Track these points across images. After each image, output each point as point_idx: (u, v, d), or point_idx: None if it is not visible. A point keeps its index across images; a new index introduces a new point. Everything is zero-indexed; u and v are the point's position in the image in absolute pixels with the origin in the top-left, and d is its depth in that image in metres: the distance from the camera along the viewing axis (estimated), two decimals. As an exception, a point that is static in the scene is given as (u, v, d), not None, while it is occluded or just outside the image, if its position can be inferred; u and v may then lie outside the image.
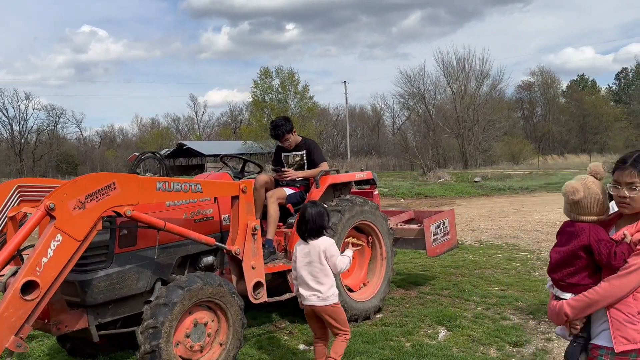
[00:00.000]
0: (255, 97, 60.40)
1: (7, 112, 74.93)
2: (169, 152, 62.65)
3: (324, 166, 5.46)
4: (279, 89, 59.86)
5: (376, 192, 6.02)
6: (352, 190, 5.84)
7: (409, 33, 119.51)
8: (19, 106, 75.88)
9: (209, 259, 4.42)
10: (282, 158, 5.67)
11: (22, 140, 75.67)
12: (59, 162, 73.32)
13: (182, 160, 65.50)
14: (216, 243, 4.09)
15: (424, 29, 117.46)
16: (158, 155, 4.81)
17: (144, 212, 3.68)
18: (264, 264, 4.68)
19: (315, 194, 5.13)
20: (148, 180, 3.59)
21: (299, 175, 5.40)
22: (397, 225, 6.33)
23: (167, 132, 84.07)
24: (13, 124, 75.83)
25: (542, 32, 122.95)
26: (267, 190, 5.23)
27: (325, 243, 3.75)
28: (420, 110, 51.88)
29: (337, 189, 5.55)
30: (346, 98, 61.86)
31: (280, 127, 5.39)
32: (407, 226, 6.36)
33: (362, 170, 5.83)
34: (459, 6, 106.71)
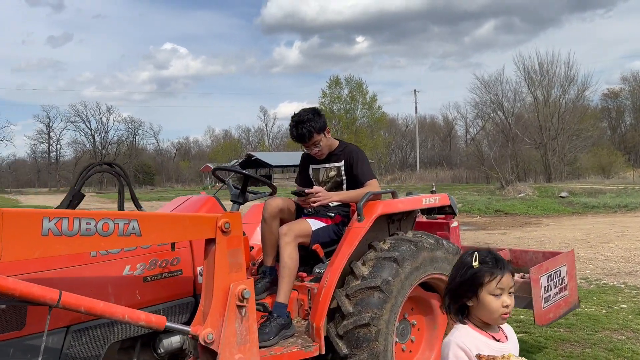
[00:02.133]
0: (323, 107, 59.42)
1: (90, 125, 79.04)
2: (238, 162, 62.99)
3: (373, 185, 3.57)
4: (347, 99, 58.45)
5: (455, 223, 4.07)
6: (417, 220, 3.94)
7: (483, 42, 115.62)
8: (101, 119, 79.84)
9: (174, 340, 2.68)
10: (310, 173, 3.86)
11: (103, 151, 79.33)
12: (137, 172, 75.98)
13: (251, 171, 65.87)
14: (169, 324, 2.34)
15: (498, 37, 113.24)
16: (115, 166, 3.18)
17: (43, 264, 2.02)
18: (272, 343, 2.90)
19: (357, 229, 3.27)
20: (25, 216, 1.91)
21: (334, 199, 3.56)
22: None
23: (238, 144, 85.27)
24: (95, 135, 79.80)
25: (626, 39, 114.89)
26: (282, 222, 3.47)
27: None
28: (498, 119, 48.36)
29: (394, 220, 3.65)
30: (416, 106, 59.34)
31: (304, 124, 3.50)
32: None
33: (432, 192, 3.88)
34: (535, 14, 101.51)
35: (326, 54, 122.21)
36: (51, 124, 79.41)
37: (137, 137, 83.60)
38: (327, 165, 3.74)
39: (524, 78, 45.36)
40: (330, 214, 3.59)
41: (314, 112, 3.60)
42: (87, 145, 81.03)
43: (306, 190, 3.49)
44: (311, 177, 3.81)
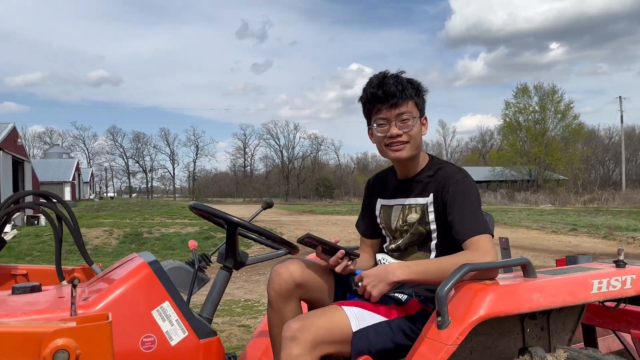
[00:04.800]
0: (508, 119, 54.49)
1: (279, 141, 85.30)
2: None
3: (480, 247, 1.82)
4: (537, 108, 52.66)
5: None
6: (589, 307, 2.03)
7: None
8: (289, 136, 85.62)
9: None
10: (378, 212, 2.21)
11: (290, 166, 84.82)
12: (318, 185, 79.44)
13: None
14: None
15: None
16: (51, 199, 2.04)
17: None
18: None
19: (436, 346, 1.59)
20: None
21: (400, 277, 1.84)
22: None
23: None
24: (283, 151, 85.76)
25: None
26: (308, 303, 1.95)
27: None
28: None
29: (533, 316, 1.83)
30: (621, 116, 50.67)
31: (398, 78, 2.00)
32: None
33: (618, 264, 1.96)
34: None
35: (513, 64, 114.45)
36: (247, 140, 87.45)
37: (319, 153, 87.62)
38: (405, 201, 2.09)
39: None
40: (397, 296, 1.95)
41: (419, 83, 2.06)
42: (276, 160, 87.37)
43: (352, 255, 1.91)
44: (379, 219, 2.20)
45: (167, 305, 1.62)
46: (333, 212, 35.68)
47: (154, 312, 1.60)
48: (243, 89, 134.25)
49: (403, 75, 2.05)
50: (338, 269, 1.92)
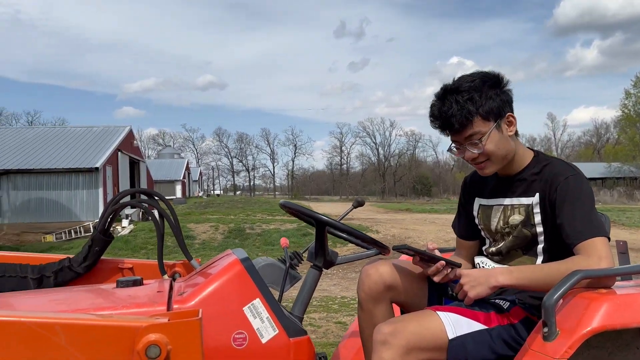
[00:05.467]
0: (626, 111, 49.89)
1: (375, 139, 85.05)
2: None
3: (594, 251, 1.63)
4: (662, 98, 47.68)
5: None
6: None
7: None
8: (384, 133, 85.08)
9: None
10: (476, 213, 2.06)
11: (386, 163, 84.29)
12: (415, 183, 78.18)
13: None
14: None
15: None
16: (154, 197, 2.16)
17: None
18: None
19: (549, 346, 1.44)
20: None
21: (501, 282, 1.71)
22: None
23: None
24: (379, 149, 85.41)
25: None
26: (401, 306, 1.87)
27: None
28: None
29: None
30: None
31: (459, 96, 1.79)
32: None
33: None
34: None
35: (632, 51, 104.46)
36: (343, 139, 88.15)
37: (417, 150, 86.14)
38: (506, 201, 1.94)
39: None
40: (498, 303, 1.81)
41: (484, 79, 1.84)
42: (372, 158, 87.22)
43: (453, 265, 1.81)
44: (477, 220, 2.06)
45: (258, 302, 1.63)
46: (431, 211, 34.80)
47: (245, 309, 1.62)
48: (340, 88, 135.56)
49: (468, 76, 1.86)
50: (436, 278, 1.82)
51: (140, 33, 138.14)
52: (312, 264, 1.94)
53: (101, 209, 21.23)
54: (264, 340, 1.61)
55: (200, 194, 64.15)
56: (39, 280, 2.15)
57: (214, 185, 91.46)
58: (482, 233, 2.04)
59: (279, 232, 18.18)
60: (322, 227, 1.85)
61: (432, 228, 19.61)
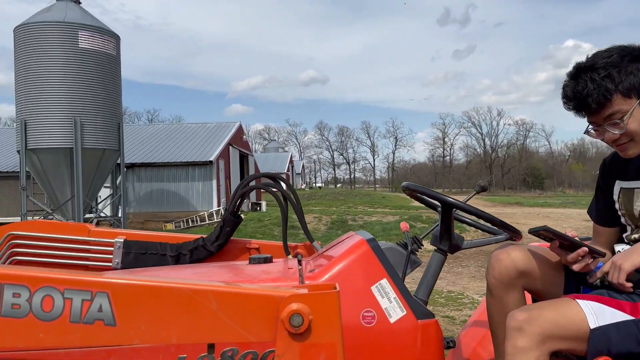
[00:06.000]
0: None
1: (481, 129, 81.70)
2: None
3: None
4: None
5: None
6: None
7: None
8: (492, 123, 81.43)
9: None
10: (617, 197, 1.89)
11: (493, 155, 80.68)
12: (526, 175, 74.06)
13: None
14: None
15: None
16: (278, 180, 2.25)
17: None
18: None
19: None
20: None
21: None
22: None
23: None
24: (486, 139, 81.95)
25: None
26: (534, 293, 1.79)
27: None
28: None
29: None
30: None
31: (595, 73, 1.65)
32: None
33: None
34: None
35: None
36: (446, 130, 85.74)
37: (527, 140, 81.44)
38: None
39: None
40: (647, 292, 1.65)
41: (622, 53, 1.68)
42: (478, 150, 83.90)
43: (596, 252, 1.67)
44: (617, 205, 1.90)
45: (385, 282, 1.64)
46: (544, 205, 32.72)
47: (373, 288, 1.63)
48: (443, 78, 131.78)
49: (603, 51, 1.69)
50: (576, 267, 1.71)
51: (247, 33, 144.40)
52: (436, 247, 1.90)
53: (215, 200, 22.59)
54: (392, 320, 1.62)
55: (302, 187, 65.86)
56: (176, 258, 2.33)
57: (315, 178, 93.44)
58: (623, 219, 1.88)
59: (381, 224, 18.14)
60: (448, 209, 1.81)
61: (548, 223, 18.45)
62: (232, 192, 2.36)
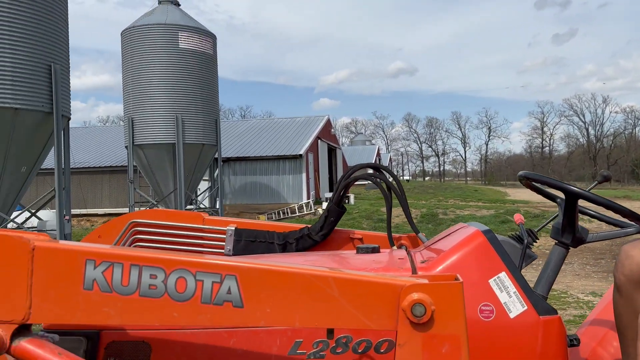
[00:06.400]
0: None
1: (584, 118, 76.25)
2: None
3: None
4: None
5: None
6: None
7: None
8: (596, 111, 75.74)
9: None
10: None
11: (597, 145, 75.09)
12: (635, 167, 68.16)
13: None
14: None
15: None
16: (382, 171, 2.23)
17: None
18: None
19: None
20: (62, 256, 1.29)
21: None
22: None
23: None
24: (589, 128, 76.41)
25: None
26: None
27: None
28: None
29: None
30: None
31: None
32: None
33: None
34: None
35: None
36: (545, 119, 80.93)
37: (637, 128, 74.84)
38: None
39: None
40: None
41: None
42: (581, 139, 78.50)
43: None
44: None
45: (504, 275, 1.57)
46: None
47: (491, 282, 1.57)
48: (542, 64, 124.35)
49: None
50: None
51: (335, 27, 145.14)
52: (557, 241, 1.79)
53: (305, 192, 23.03)
54: (511, 315, 1.54)
55: (390, 179, 65.03)
56: (283, 246, 2.40)
57: (402, 170, 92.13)
58: None
59: (474, 218, 17.52)
60: (573, 199, 1.69)
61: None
62: (335, 184, 2.37)
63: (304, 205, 22.44)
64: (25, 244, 1.26)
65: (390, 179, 2.29)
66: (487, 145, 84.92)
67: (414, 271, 1.60)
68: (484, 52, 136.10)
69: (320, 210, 21.62)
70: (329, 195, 23.40)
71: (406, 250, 2.05)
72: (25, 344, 1.25)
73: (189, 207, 17.26)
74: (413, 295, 1.18)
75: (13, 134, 9.11)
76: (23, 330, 1.30)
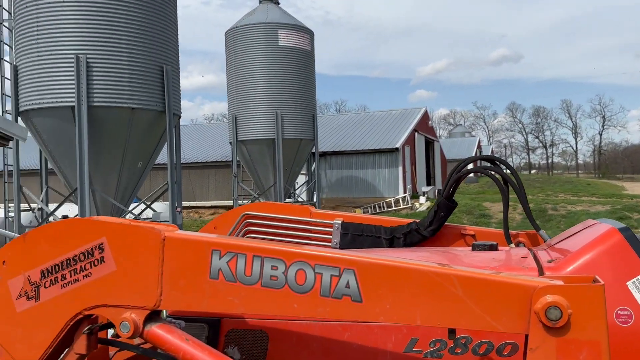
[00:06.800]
0: None
1: None
2: None
3: None
4: None
5: None
6: None
7: None
8: None
9: None
10: None
11: None
12: None
13: None
14: None
15: None
16: (497, 164, 2.11)
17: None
18: None
19: None
20: (189, 246, 1.36)
21: None
22: None
23: None
24: None
25: None
26: None
27: None
28: None
29: None
30: None
31: None
32: None
33: None
34: None
35: None
36: (668, 106, 73.00)
37: None
38: None
39: None
40: None
41: None
42: None
43: None
44: None
45: (645, 278, 1.41)
46: None
47: (630, 284, 1.42)
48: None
49: None
50: None
51: (432, 16, 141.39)
52: None
53: (401, 186, 22.75)
54: (655, 322, 1.39)
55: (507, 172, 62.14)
56: (390, 241, 2.36)
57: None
58: None
59: (588, 215, 16.25)
60: None
61: None
62: (446, 178, 2.28)
63: (400, 199, 22.17)
64: (157, 235, 1.34)
65: (507, 172, 2.17)
66: (601, 135, 78.34)
67: (541, 271, 1.49)
68: (597, 35, 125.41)
69: (417, 205, 21.24)
70: (426, 189, 22.88)
71: (527, 248, 1.92)
72: (156, 329, 1.33)
73: (287, 200, 17.75)
74: (547, 298, 1.09)
75: (130, 132, 9.88)
76: (154, 315, 1.38)
